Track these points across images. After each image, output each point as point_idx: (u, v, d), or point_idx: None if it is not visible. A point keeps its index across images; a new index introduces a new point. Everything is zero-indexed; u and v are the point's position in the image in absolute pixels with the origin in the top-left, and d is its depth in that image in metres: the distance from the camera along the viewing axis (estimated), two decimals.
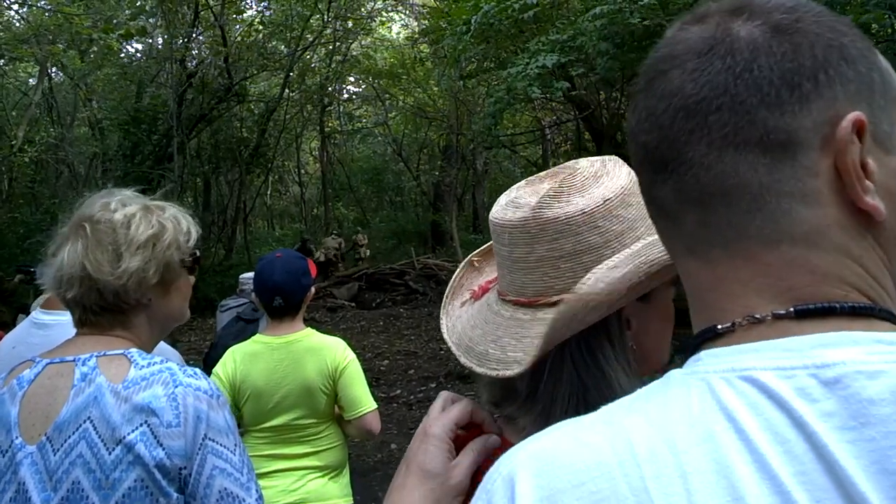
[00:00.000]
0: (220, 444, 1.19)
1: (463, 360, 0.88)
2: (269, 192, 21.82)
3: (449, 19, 8.31)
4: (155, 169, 13.38)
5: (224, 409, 1.22)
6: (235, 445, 1.21)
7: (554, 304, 0.80)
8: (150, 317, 1.35)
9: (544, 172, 0.92)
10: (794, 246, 0.50)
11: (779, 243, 0.50)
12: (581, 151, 11.10)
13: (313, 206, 21.73)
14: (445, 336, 0.95)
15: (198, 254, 1.43)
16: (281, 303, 2.46)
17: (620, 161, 0.88)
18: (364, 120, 21.29)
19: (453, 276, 1.05)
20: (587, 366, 0.80)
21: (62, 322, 1.67)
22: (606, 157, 0.89)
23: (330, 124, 19.92)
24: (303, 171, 22.02)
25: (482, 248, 1.04)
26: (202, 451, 1.17)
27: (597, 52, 6.45)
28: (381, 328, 11.40)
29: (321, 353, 2.45)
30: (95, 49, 12.70)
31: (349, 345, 2.62)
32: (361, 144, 22.49)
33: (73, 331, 1.50)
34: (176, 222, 1.37)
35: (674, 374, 0.53)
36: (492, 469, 0.54)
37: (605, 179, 0.84)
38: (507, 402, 0.86)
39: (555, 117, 12.48)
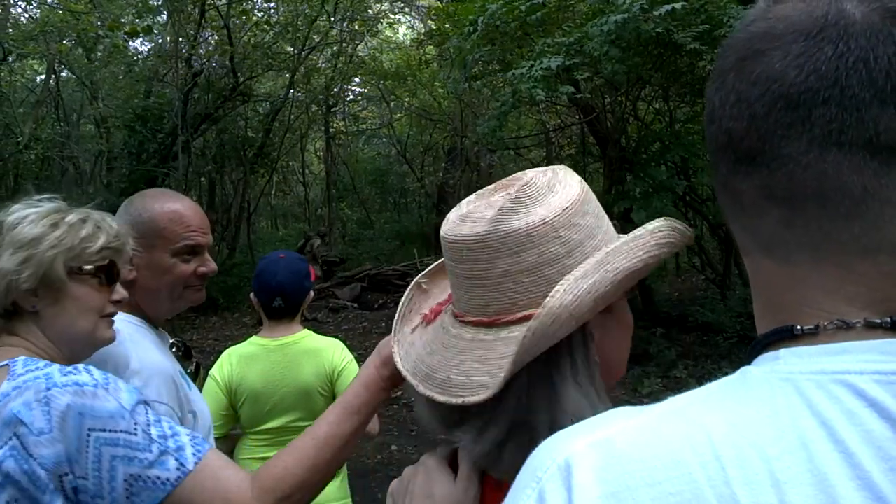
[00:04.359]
0: (113, 431, 1.07)
1: (421, 388, 0.84)
2: (273, 192, 21.84)
3: (454, 19, 8.30)
4: (160, 167, 13.39)
5: (116, 393, 1.11)
6: (135, 424, 1.09)
7: (518, 321, 0.77)
8: (44, 329, 1.25)
9: (493, 185, 0.87)
10: (895, 257, 0.46)
11: (877, 253, 0.46)
12: (585, 155, 11.07)
13: (317, 207, 21.73)
14: (399, 366, 0.90)
15: (107, 261, 1.30)
16: (281, 304, 2.45)
17: (569, 169, 0.85)
18: (369, 121, 21.29)
19: (401, 302, 1.00)
20: (542, 384, 0.76)
21: None
22: (556, 167, 0.86)
23: (335, 125, 19.93)
24: (307, 172, 22.03)
25: (428, 269, 1.00)
26: (90, 446, 1.05)
27: (603, 55, 6.43)
28: (383, 329, 11.38)
29: (319, 354, 2.44)
30: (102, 47, 12.73)
31: (351, 346, 2.61)
32: (366, 145, 22.49)
33: None
34: (76, 226, 1.27)
35: (750, 371, 0.49)
36: (539, 454, 0.49)
37: (560, 188, 0.81)
38: (458, 426, 0.83)
39: (559, 121, 12.46)
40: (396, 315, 1.00)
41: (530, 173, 0.85)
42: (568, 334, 0.76)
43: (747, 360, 0.52)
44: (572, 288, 0.74)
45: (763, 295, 0.53)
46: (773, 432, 0.43)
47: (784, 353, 0.47)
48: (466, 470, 0.81)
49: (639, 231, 0.81)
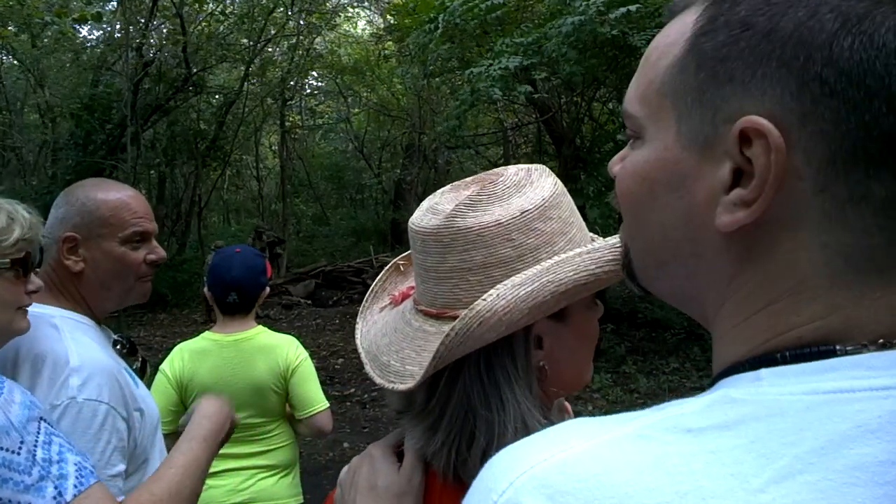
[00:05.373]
0: None
1: (367, 368, 0.85)
2: (225, 187, 21.46)
3: (414, 16, 8.29)
4: (107, 159, 13.02)
5: (8, 406, 1.07)
6: (21, 443, 1.05)
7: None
8: None
9: (471, 178, 0.88)
10: None
11: None
12: (541, 154, 11.18)
13: (271, 202, 21.44)
14: (358, 341, 0.92)
15: (23, 254, 1.28)
16: (235, 299, 2.41)
17: (547, 171, 0.85)
18: (326, 116, 21.10)
19: (376, 279, 1.01)
20: (483, 384, 0.76)
21: None
22: (534, 166, 0.85)
23: (291, 119, 19.67)
24: (261, 166, 21.71)
25: (409, 251, 0.98)
26: None
27: (561, 56, 6.51)
28: (336, 326, 11.30)
29: (273, 351, 2.41)
30: (49, 33, 12.32)
31: (304, 343, 2.58)
32: (322, 140, 22.29)
33: None
34: None
35: (729, 393, 0.42)
36: (487, 478, 0.43)
37: (528, 189, 0.80)
38: (406, 412, 0.84)
39: (517, 119, 12.56)
40: (368, 291, 1.00)
41: (508, 170, 0.84)
42: (507, 338, 0.75)
43: (711, 382, 0.47)
44: (507, 293, 0.73)
45: (788, 307, 0.44)
46: (757, 461, 0.38)
47: (766, 373, 0.42)
48: (411, 459, 0.81)
49: (598, 243, 0.80)
